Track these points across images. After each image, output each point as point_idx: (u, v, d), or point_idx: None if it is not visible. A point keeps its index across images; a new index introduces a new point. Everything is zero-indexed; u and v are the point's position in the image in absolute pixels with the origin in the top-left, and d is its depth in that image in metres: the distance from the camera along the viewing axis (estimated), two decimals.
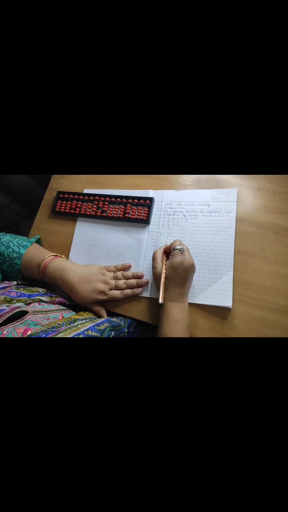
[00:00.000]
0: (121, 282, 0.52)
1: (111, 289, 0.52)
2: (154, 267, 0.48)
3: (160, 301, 0.42)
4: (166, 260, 0.48)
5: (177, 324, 0.43)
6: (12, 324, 0.35)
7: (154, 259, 0.49)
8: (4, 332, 0.33)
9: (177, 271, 0.44)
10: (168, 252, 0.49)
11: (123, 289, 0.52)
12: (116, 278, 0.53)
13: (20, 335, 0.34)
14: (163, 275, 0.45)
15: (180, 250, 0.45)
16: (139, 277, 0.53)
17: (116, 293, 0.51)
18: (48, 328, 0.37)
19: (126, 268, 0.54)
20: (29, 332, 0.35)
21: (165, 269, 0.46)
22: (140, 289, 0.52)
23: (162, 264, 0.47)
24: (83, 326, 0.41)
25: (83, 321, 0.44)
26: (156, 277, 0.47)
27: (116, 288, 0.52)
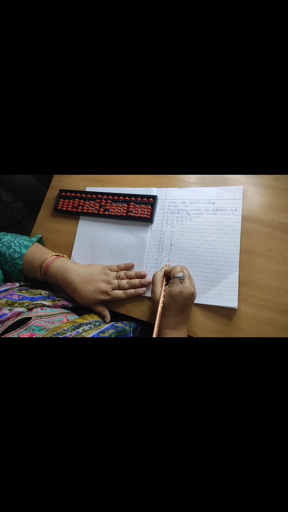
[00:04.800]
0: (124, 282, 0.51)
1: (113, 289, 0.51)
2: (153, 291, 0.46)
3: (154, 336, 0.40)
4: (165, 285, 0.45)
5: None
6: (16, 331, 0.35)
7: (153, 282, 0.46)
8: None
9: (175, 300, 0.42)
10: (168, 276, 0.46)
11: (126, 289, 0.51)
12: (119, 278, 0.52)
13: None
14: (160, 305, 0.43)
15: (180, 279, 0.43)
16: (142, 276, 0.52)
17: (119, 293, 0.51)
18: (53, 334, 0.36)
19: (129, 267, 0.54)
20: None
21: (163, 296, 0.44)
22: (143, 288, 0.51)
23: (162, 289, 0.45)
24: (87, 334, 0.41)
25: (88, 326, 0.44)
26: (154, 302, 0.45)
27: (119, 288, 0.51)
